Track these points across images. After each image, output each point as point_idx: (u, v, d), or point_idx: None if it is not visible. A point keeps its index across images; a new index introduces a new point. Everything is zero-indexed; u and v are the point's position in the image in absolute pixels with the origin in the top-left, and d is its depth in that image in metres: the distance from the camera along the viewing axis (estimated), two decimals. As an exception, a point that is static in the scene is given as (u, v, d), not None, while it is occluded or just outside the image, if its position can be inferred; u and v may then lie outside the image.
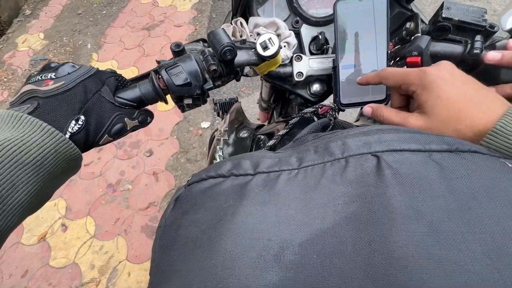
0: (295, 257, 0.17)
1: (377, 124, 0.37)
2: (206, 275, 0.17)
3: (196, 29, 2.15)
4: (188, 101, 0.34)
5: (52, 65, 0.29)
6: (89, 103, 0.29)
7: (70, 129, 0.27)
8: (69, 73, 0.29)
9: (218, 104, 0.71)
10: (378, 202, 0.18)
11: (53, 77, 0.28)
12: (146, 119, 0.35)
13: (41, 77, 0.28)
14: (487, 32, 0.35)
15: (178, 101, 0.34)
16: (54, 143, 0.25)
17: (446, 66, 0.28)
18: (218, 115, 0.71)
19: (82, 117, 0.28)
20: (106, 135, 0.31)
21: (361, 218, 0.18)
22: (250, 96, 1.74)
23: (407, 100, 0.33)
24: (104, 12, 2.43)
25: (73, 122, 0.28)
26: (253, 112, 1.65)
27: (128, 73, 1.95)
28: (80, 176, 1.51)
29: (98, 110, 0.30)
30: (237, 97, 0.72)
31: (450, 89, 0.26)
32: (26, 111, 0.26)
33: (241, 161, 0.25)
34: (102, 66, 2.01)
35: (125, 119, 0.32)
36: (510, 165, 0.20)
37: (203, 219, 0.20)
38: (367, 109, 0.34)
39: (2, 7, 2.42)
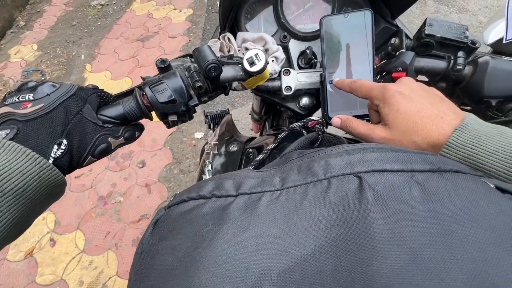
0: None
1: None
2: None
3: (190, 40, 2.18)
4: (173, 117, 0.33)
5: (30, 84, 0.28)
6: (71, 125, 0.28)
7: (53, 154, 0.27)
8: (48, 94, 0.28)
9: (209, 116, 0.70)
10: (359, 227, 0.17)
11: (32, 98, 0.27)
12: (133, 134, 0.35)
13: (18, 98, 0.27)
14: (469, 48, 0.35)
15: (163, 118, 0.34)
16: (37, 169, 0.25)
17: (406, 82, 0.30)
18: (209, 128, 0.71)
19: (65, 141, 0.27)
20: (90, 156, 0.31)
21: (342, 245, 0.17)
22: (243, 107, 1.74)
23: None
24: (99, 23, 2.44)
25: (56, 146, 0.27)
26: (247, 122, 1.65)
27: (122, 84, 1.94)
28: (70, 189, 1.48)
29: (80, 131, 0.29)
30: (228, 109, 0.72)
31: (408, 103, 0.28)
32: (7, 137, 0.25)
33: (224, 181, 0.24)
34: (96, 77, 2.01)
35: (109, 138, 0.31)
36: (491, 185, 0.20)
37: (180, 246, 0.19)
38: (336, 120, 0.36)
39: (-5, 19, 2.42)
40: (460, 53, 0.35)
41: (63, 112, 0.28)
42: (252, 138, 0.58)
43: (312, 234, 0.18)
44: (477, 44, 0.35)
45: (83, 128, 0.29)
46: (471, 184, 0.19)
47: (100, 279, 1.21)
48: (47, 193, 0.26)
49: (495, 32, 0.67)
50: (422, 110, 0.28)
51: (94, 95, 0.31)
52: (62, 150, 0.27)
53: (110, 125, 0.32)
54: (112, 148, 0.33)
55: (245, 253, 0.18)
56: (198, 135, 1.63)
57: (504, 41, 0.58)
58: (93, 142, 0.30)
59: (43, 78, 2.03)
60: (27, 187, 0.24)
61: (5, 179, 0.23)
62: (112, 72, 2.02)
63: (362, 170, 0.21)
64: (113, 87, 1.93)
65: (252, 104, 0.76)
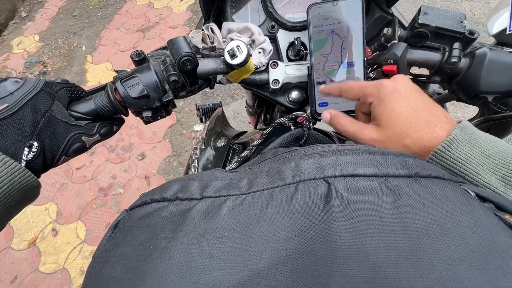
0: None
1: None
2: None
3: (191, 30, 2.13)
4: (147, 113, 0.32)
5: None
6: (40, 125, 0.27)
7: (24, 157, 0.25)
8: (11, 93, 0.26)
9: (200, 109, 0.69)
10: (321, 239, 0.16)
11: None
12: (110, 130, 0.33)
13: None
14: (467, 39, 0.33)
15: (138, 113, 0.32)
16: (8, 173, 0.24)
17: (401, 79, 0.28)
18: (201, 121, 0.69)
19: (35, 144, 0.26)
20: (64, 156, 0.29)
21: (300, 258, 0.16)
22: (243, 99, 1.71)
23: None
24: (100, 14, 2.42)
25: (26, 149, 0.26)
26: (246, 115, 1.63)
27: (122, 75, 1.93)
28: (72, 180, 1.49)
29: (50, 132, 0.27)
30: (220, 102, 0.70)
31: (404, 103, 0.27)
32: None
33: (189, 183, 0.23)
34: (97, 68, 2.00)
35: (83, 137, 0.30)
36: (471, 193, 0.18)
37: (131, 254, 0.18)
38: (325, 114, 0.34)
39: (-2, 9, 2.41)
40: (456, 45, 0.32)
41: (30, 111, 0.26)
42: (242, 133, 0.56)
43: (270, 245, 0.17)
44: (475, 35, 0.32)
45: (53, 129, 0.28)
46: (449, 191, 0.18)
47: (100, 268, 1.24)
48: (20, 197, 0.26)
49: (500, 22, 0.63)
50: (417, 111, 0.26)
51: (63, 90, 0.30)
52: (34, 153, 0.26)
53: (83, 122, 0.30)
54: (87, 146, 0.31)
55: (198, 264, 0.17)
56: (198, 127, 1.62)
57: (507, 32, 0.54)
58: (65, 142, 0.29)
59: (44, 70, 2.03)
60: None
61: None
62: (112, 64, 2.01)
63: (333, 174, 0.20)
64: (114, 79, 1.92)
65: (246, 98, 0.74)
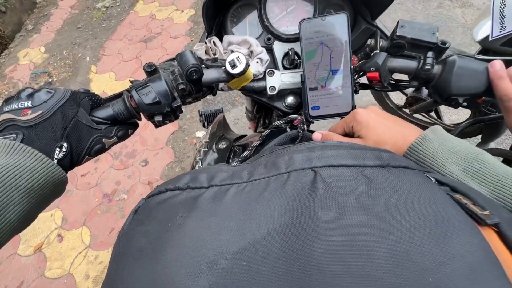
0: (227, 264, 0.18)
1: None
2: (146, 283, 0.18)
3: (192, 40, 2.21)
4: (158, 118, 0.36)
5: (27, 92, 0.31)
6: (68, 129, 0.32)
7: (56, 156, 0.30)
8: (45, 101, 0.31)
9: (203, 115, 0.73)
10: (306, 214, 0.20)
11: (30, 105, 0.30)
12: (126, 133, 0.38)
13: (17, 105, 0.31)
14: (440, 48, 0.37)
15: (150, 118, 0.37)
16: (44, 168, 0.28)
17: (372, 107, 0.37)
18: (204, 126, 0.74)
19: (65, 144, 0.31)
20: (87, 156, 0.34)
21: (290, 229, 0.19)
22: (243, 105, 1.76)
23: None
24: (104, 25, 2.50)
25: (58, 149, 0.30)
26: (246, 120, 1.67)
27: (125, 84, 1.98)
28: (77, 187, 1.53)
29: (77, 135, 0.32)
30: (222, 108, 0.74)
31: (375, 122, 0.35)
32: (17, 141, 0.29)
33: (199, 175, 0.27)
34: (101, 78, 2.06)
35: (103, 139, 0.35)
36: (432, 179, 0.22)
37: (153, 230, 0.22)
38: (317, 135, 0.40)
39: (6, 23, 2.50)
40: (429, 53, 0.37)
41: (60, 117, 0.31)
42: (242, 136, 0.60)
43: (267, 220, 0.21)
44: (447, 44, 0.37)
45: (79, 132, 0.33)
46: (414, 178, 0.22)
47: (105, 273, 1.26)
48: (51, 190, 0.30)
49: (484, 30, 0.68)
50: (388, 125, 0.34)
51: (86, 98, 0.34)
52: (64, 152, 0.31)
53: (103, 126, 0.35)
54: (106, 147, 0.36)
55: (208, 235, 0.20)
56: (199, 134, 1.66)
57: (490, 39, 0.59)
58: (89, 143, 0.34)
59: (50, 80, 2.09)
60: (35, 183, 0.28)
61: (16, 176, 0.26)
62: (116, 73, 2.07)
63: (319, 165, 0.24)
64: (117, 88, 1.97)
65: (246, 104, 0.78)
